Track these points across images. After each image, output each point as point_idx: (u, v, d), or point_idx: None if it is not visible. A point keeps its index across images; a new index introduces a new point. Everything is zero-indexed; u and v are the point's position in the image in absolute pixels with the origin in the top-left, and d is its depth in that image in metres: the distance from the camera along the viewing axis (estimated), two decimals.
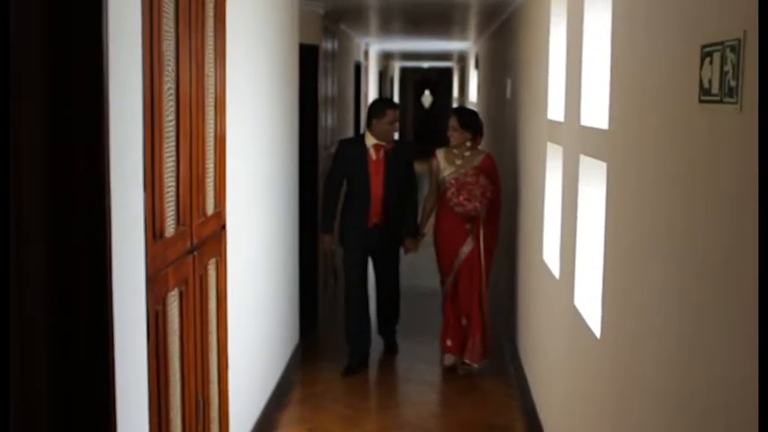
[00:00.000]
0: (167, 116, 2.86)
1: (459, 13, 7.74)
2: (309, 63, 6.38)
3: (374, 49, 13.47)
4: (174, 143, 2.94)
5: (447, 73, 22.97)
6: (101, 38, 2.27)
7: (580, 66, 3.56)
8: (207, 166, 3.41)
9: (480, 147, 5.79)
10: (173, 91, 2.91)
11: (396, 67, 21.49)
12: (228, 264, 3.82)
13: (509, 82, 6.79)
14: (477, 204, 5.41)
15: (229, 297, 3.83)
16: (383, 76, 17.26)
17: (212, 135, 3.50)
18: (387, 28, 9.43)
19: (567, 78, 3.92)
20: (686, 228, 2.07)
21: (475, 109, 7.51)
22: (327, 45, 7.41)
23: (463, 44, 12.14)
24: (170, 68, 2.87)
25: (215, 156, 3.55)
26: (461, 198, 5.41)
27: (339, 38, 8.40)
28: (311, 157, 6.42)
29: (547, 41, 4.66)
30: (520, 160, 5.83)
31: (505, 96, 7.01)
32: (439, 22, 8.55)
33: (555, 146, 4.40)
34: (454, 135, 5.66)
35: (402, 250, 5.91)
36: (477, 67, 11.31)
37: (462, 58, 16.15)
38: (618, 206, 2.86)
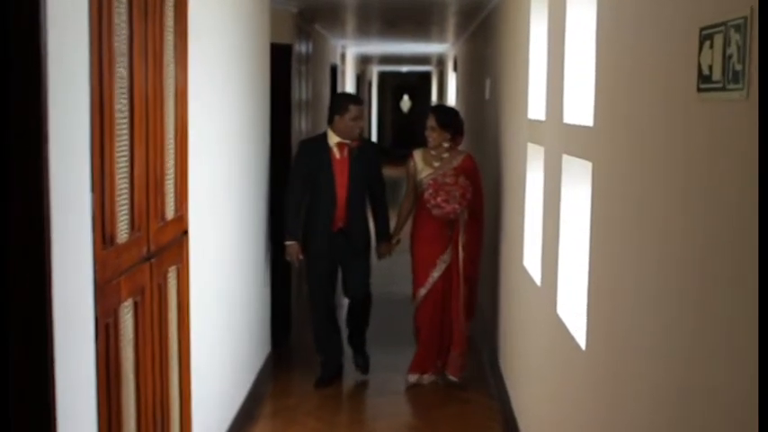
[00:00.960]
0: (119, 113, 2.64)
1: (437, 13, 7.56)
2: (282, 63, 6.17)
3: (351, 52, 13.28)
4: (127, 141, 2.72)
5: (426, 77, 22.82)
6: (38, 28, 2.06)
7: (562, 60, 3.37)
8: (166, 167, 3.19)
9: (460, 147, 5.47)
10: (126, 87, 2.70)
11: (374, 71, 21.34)
12: (192, 271, 3.60)
13: (488, 82, 6.61)
14: (457, 206, 5.08)
15: (193, 307, 3.61)
16: (361, 80, 17.07)
17: (172, 134, 3.28)
18: (363, 29, 9.24)
19: (549, 75, 3.74)
20: (683, 231, 1.88)
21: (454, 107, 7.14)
22: (301, 46, 7.21)
23: (442, 46, 11.98)
24: (122, 63, 2.66)
25: (176, 156, 3.33)
26: (439, 199, 5.08)
27: (314, 39, 8.20)
28: (284, 161, 6.18)
29: (527, 38, 4.48)
30: (500, 162, 5.64)
31: (485, 97, 6.83)
32: (417, 22, 8.36)
33: (536, 146, 4.22)
34: (432, 135, 5.33)
35: (374, 255, 5.58)
36: (455, 69, 11.16)
37: (441, 62, 16.00)
38: (605, 209, 2.67)
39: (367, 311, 5.67)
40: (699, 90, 1.76)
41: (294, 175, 5.33)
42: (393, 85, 24.84)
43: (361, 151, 5.33)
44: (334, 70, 10.84)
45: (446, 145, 5.32)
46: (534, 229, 4.32)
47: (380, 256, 5.57)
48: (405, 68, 21.18)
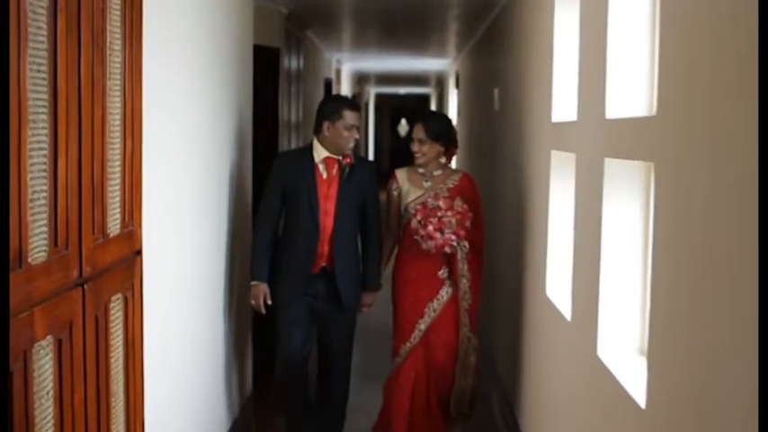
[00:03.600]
0: (33, 92, 1.98)
1: (437, 18, 6.95)
2: (268, 69, 5.53)
3: (347, 68, 12.68)
4: (46, 134, 2.06)
5: (424, 100, 22.29)
6: None
7: (604, 45, 2.72)
8: (108, 168, 2.53)
9: (453, 165, 4.48)
10: (45, 61, 2.04)
11: (371, 92, 20.81)
12: (147, 302, 2.92)
13: (496, 92, 5.99)
14: (452, 237, 3.97)
15: (148, 347, 2.92)
16: (357, 100, 16.47)
17: (119, 129, 2.62)
18: (360, 38, 8.64)
19: (582, 67, 3.10)
20: None
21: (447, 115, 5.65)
22: (292, 58, 6.58)
23: (442, 62, 11.42)
24: (39, 33, 2.01)
25: (124, 156, 2.67)
26: (430, 229, 3.97)
27: (306, 49, 7.57)
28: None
29: (550, 32, 3.84)
30: (515, 177, 4.98)
31: (493, 109, 6.20)
32: (416, 30, 7.75)
33: (563, 154, 3.57)
34: (422, 149, 4.20)
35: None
36: (457, 86, 10.57)
37: (440, 82, 15.45)
38: (673, 222, 2.01)
39: (344, 396, 4.38)
40: None
41: (267, 197, 4.15)
42: (390, 108, 24.37)
43: (355, 170, 4.12)
44: (328, 86, 10.21)
45: (440, 160, 4.26)
46: (561, 253, 3.66)
47: (362, 309, 4.31)
48: (402, 90, 20.66)
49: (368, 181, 4.19)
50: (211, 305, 4.01)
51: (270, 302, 4.13)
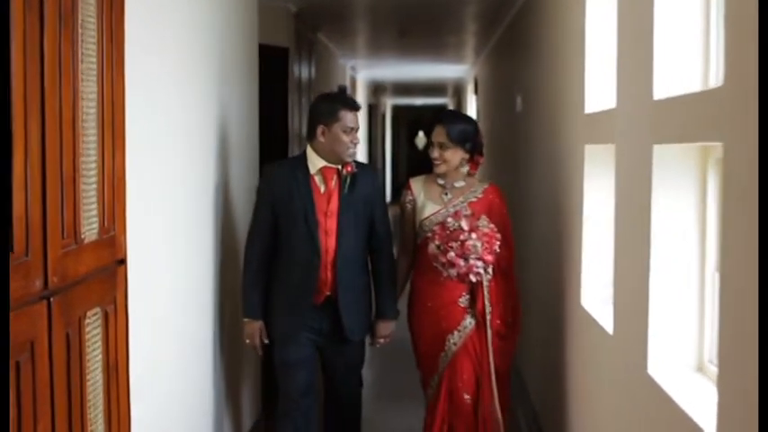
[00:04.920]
0: None
1: (454, 17, 6.62)
2: (277, 68, 5.21)
3: (363, 76, 12.38)
4: None
5: (441, 110, 21.96)
6: None
7: (650, 18, 2.37)
8: (82, 164, 2.19)
9: (477, 174, 3.69)
10: None
11: (388, 104, 20.53)
12: (133, 317, 2.58)
13: (519, 91, 5.63)
14: (478, 263, 3.36)
15: (135, 367, 2.58)
16: (374, 112, 16.16)
17: (94, 119, 2.28)
18: (374, 40, 8.34)
19: (623, 47, 2.75)
20: None
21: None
22: (302, 55, 6.25)
23: (460, 68, 11.14)
24: None
25: (102, 150, 2.34)
26: (451, 256, 3.36)
27: (318, 52, 7.25)
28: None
29: (582, 16, 3.50)
30: (542, 179, 4.62)
31: (514, 110, 5.85)
32: (432, 30, 7.43)
33: (599, 147, 3.22)
34: (443, 155, 3.53)
35: (367, 340, 3.69)
36: (476, 91, 10.26)
37: (458, 91, 15.14)
38: (746, 213, 1.64)
39: (356, 424, 3.81)
40: None
41: (256, 218, 3.54)
42: (407, 120, 24.09)
43: (357, 180, 3.49)
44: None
45: (463, 169, 3.59)
46: (598, 258, 3.30)
47: (376, 340, 3.68)
48: (419, 101, 20.37)
49: (373, 191, 3.56)
50: (208, 321, 3.62)
51: (267, 341, 3.55)
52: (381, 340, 3.67)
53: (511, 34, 6.52)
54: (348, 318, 3.48)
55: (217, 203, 3.69)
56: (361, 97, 12.96)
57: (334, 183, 3.47)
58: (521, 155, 5.61)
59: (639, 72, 2.47)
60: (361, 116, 14.61)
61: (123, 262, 2.52)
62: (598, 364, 3.06)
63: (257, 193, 3.56)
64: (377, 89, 15.96)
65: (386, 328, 3.64)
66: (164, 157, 2.96)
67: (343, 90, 3.43)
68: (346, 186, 3.47)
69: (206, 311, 3.57)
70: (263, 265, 3.51)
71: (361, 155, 13.32)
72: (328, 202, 3.46)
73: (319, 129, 3.43)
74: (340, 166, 3.47)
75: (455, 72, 11.91)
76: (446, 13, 6.52)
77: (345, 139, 3.41)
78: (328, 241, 3.44)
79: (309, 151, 3.49)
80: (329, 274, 3.45)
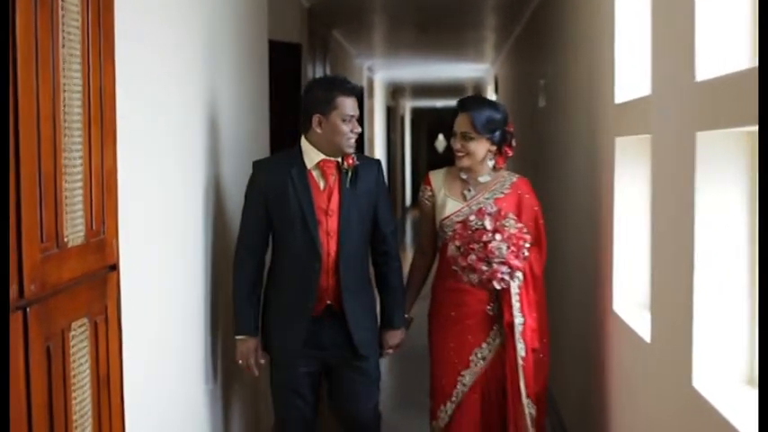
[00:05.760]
0: None
1: (473, 11, 6.42)
2: (289, 66, 5.00)
3: (380, 77, 12.17)
4: None
5: None
6: None
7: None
8: (64, 159, 1.99)
9: (504, 167, 3.30)
10: None
11: (407, 106, 20.33)
12: (127, 327, 2.37)
13: (542, 85, 5.40)
14: (503, 268, 2.98)
15: (129, 382, 2.37)
16: (392, 114, 15.95)
17: (79, 111, 2.08)
18: (392, 38, 8.13)
19: (658, 28, 2.52)
20: None
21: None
22: (317, 54, 6.05)
23: (480, 68, 10.96)
24: None
25: (89, 145, 2.14)
26: (472, 259, 2.98)
27: (333, 51, 7.05)
28: None
29: (611, 1, 3.26)
30: (567, 177, 4.38)
31: (537, 106, 5.62)
32: (451, 26, 7.23)
33: (631, 139, 2.99)
34: (466, 147, 3.18)
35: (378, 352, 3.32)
36: (496, 91, 10.04)
37: (478, 91, 14.94)
38: None
39: None
40: None
41: (247, 221, 3.17)
42: (427, 123, 23.89)
43: (359, 174, 3.14)
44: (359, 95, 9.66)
45: (489, 162, 3.22)
46: (631, 259, 3.06)
47: (386, 351, 3.31)
48: (439, 103, 20.15)
49: (377, 186, 3.19)
50: (211, 332, 3.28)
51: (263, 361, 3.20)
52: (390, 351, 3.32)
53: (532, 28, 6.31)
54: (357, 329, 3.12)
55: (219, 205, 3.41)
56: (378, 99, 12.73)
57: (334, 178, 3.12)
58: (545, 152, 5.38)
59: (679, 52, 2.24)
60: (380, 119, 14.32)
61: (115, 268, 2.31)
62: (634, 375, 2.82)
63: (246, 194, 3.18)
64: (395, 91, 15.75)
65: (394, 337, 3.28)
66: (161, 155, 2.74)
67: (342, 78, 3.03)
68: (348, 181, 3.10)
69: (204, 322, 3.26)
70: (256, 273, 3.17)
71: (381, 159, 13.08)
72: (329, 200, 3.10)
73: (315, 118, 3.07)
74: (340, 159, 3.12)
75: (475, 71, 11.72)
76: (466, 7, 6.34)
77: (345, 128, 3.05)
78: (329, 243, 3.08)
79: (305, 144, 3.13)
80: (331, 280, 3.10)
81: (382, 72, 11.73)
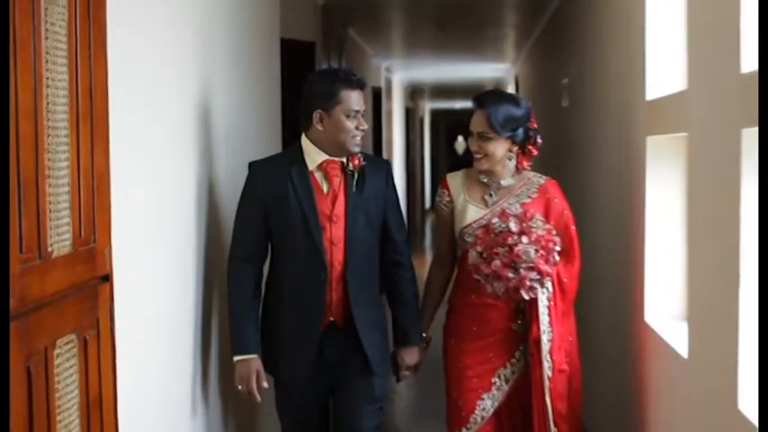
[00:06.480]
0: None
1: (493, 8, 6.23)
2: (302, 66, 4.84)
3: (399, 78, 11.99)
4: None
5: None
6: None
7: None
8: (48, 162, 1.82)
9: (529, 167, 2.98)
10: None
11: (426, 108, 20.15)
12: (121, 346, 2.20)
13: (565, 84, 5.21)
14: (532, 274, 2.68)
15: (122, 402, 2.20)
16: (411, 116, 15.76)
17: (64, 108, 1.92)
18: (410, 37, 7.96)
19: (696, 15, 2.32)
20: None
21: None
22: (331, 54, 5.88)
23: (500, 67, 10.78)
24: None
25: (77, 146, 1.97)
26: (497, 265, 2.69)
27: (349, 51, 6.88)
28: None
29: None
30: (594, 180, 4.18)
31: (560, 106, 5.42)
32: (471, 23, 7.06)
33: (663, 138, 2.79)
34: (484, 148, 2.87)
35: (391, 372, 3.05)
36: (517, 91, 9.87)
37: None
38: None
39: None
40: None
41: (242, 228, 2.87)
42: (447, 125, 23.74)
43: (367, 175, 2.86)
44: (377, 97, 9.47)
45: (510, 163, 2.92)
46: (664, 266, 2.86)
47: (402, 373, 3.03)
48: (458, 105, 19.96)
49: (386, 189, 2.91)
50: (209, 347, 3.04)
51: (266, 384, 2.84)
52: (407, 373, 3.00)
53: (554, 25, 6.12)
54: (370, 346, 2.81)
55: (224, 210, 3.17)
56: (397, 101, 12.55)
57: (339, 180, 2.82)
58: (569, 154, 5.19)
59: (721, 42, 2.05)
60: (398, 121, 14.07)
61: (108, 279, 2.14)
62: (671, 394, 2.62)
63: (242, 199, 2.87)
64: (414, 92, 15.57)
65: (411, 356, 2.97)
66: (160, 158, 2.57)
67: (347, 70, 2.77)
68: (354, 184, 2.81)
69: (203, 336, 2.99)
70: (254, 286, 2.86)
71: (399, 162, 12.90)
72: (333, 205, 2.81)
73: (316, 114, 2.77)
74: (345, 160, 2.83)
75: (495, 71, 11.54)
76: (485, 3, 6.17)
77: (349, 124, 2.75)
78: (335, 252, 2.79)
79: (306, 143, 2.83)
80: (337, 293, 2.80)
81: (401, 73, 11.56)
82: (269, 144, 4.03)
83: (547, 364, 2.77)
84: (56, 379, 1.86)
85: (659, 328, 2.79)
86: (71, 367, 1.94)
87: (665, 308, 2.89)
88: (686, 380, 2.39)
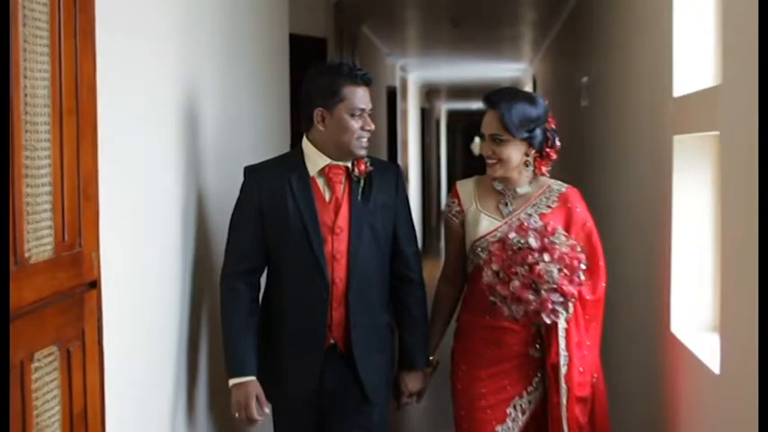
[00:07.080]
0: None
1: (511, 5, 6.08)
2: (314, 60, 4.68)
3: (414, 78, 11.85)
4: None
5: None
6: None
7: None
8: (25, 159, 1.68)
9: (548, 172, 2.73)
10: None
11: (442, 108, 20.01)
12: (110, 358, 2.05)
13: (585, 83, 5.04)
14: (555, 296, 2.41)
15: (112, 418, 2.06)
16: (427, 117, 15.61)
17: (45, 103, 1.78)
18: (425, 36, 7.83)
19: (731, 7, 2.16)
20: None
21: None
22: (344, 51, 5.73)
23: (517, 67, 10.63)
24: None
25: (60, 144, 1.84)
26: (515, 286, 2.42)
27: (362, 49, 6.73)
28: None
29: None
30: (616, 183, 4.01)
31: (580, 105, 5.25)
32: (488, 21, 6.88)
33: (693, 136, 2.63)
34: (498, 152, 2.61)
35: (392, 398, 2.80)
36: (534, 91, 9.71)
37: None
38: None
39: None
40: None
41: (237, 239, 2.62)
42: (463, 126, 23.59)
43: (374, 182, 2.62)
44: (392, 97, 9.31)
45: (527, 170, 2.67)
46: (693, 273, 2.69)
47: (403, 399, 2.76)
48: (475, 105, 19.82)
49: (396, 197, 2.65)
50: (204, 361, 2.85)
51: (267, 410, 2.60)
52: (408, 400, 2.74)
53: (573, 23, 5.97)
54: (367, 373, 2.58)
55: (216, 216, 2.93)
56: (413, 101, 12.39)
57: (342, 187, 2.58)
58: (588, 156, 5.02)
59: (760, 33, 1.88)
60: (414, 121, 13.91)
61: (95, 285, 2.00)
62: (702, 414, 2.44)
63: (236, 208, 2.63)
64: (430, 92, 15.43)
65: (414, 381, 2.71)
66: (154, 158, 2.42)
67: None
68: (360, 192, 2.57)
69: (198, 348, 2.81)
70: (251, 303, 2.61)
71: (415, 165, 12.72)
72: (336, 215, 2.57)
73: (317, 113, 2.53)
74: (350, 165, 2.59)
75: (512, 71, 11.41)
76: (502, 0, 5.99)
77: (354, 124, 2.51)
78: (338, 268, 2.55)
79: (307, 146, 2.59)
80: (337, 313, 2.56)
81: (416, 72, 11.41)
82: (276, 141, 3.89)
83: (563, 390, 2.52)
84: (33, 395, 1.72)
85: (687, 339, 2.62)
86: (52, 381, 1.80)
87: (693, 318, 2.72)
88: (719, 398, 2.22)
